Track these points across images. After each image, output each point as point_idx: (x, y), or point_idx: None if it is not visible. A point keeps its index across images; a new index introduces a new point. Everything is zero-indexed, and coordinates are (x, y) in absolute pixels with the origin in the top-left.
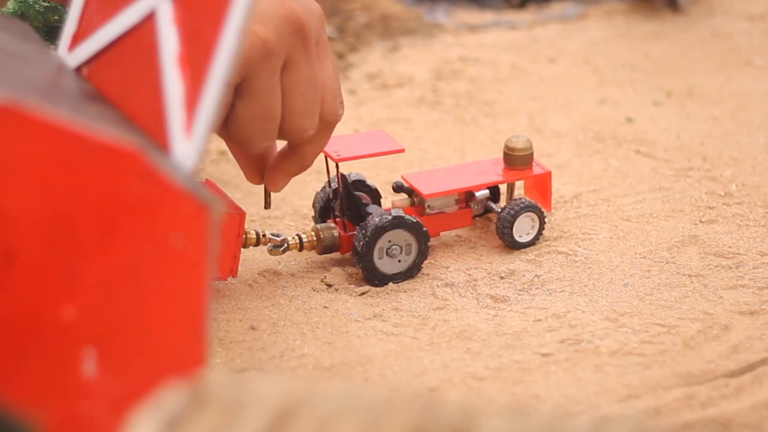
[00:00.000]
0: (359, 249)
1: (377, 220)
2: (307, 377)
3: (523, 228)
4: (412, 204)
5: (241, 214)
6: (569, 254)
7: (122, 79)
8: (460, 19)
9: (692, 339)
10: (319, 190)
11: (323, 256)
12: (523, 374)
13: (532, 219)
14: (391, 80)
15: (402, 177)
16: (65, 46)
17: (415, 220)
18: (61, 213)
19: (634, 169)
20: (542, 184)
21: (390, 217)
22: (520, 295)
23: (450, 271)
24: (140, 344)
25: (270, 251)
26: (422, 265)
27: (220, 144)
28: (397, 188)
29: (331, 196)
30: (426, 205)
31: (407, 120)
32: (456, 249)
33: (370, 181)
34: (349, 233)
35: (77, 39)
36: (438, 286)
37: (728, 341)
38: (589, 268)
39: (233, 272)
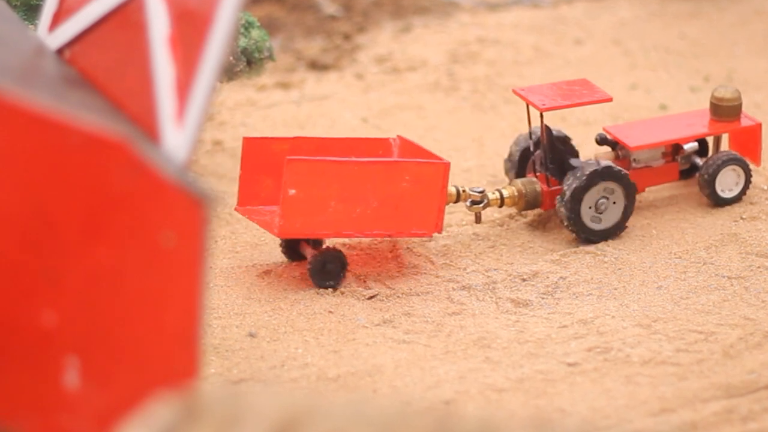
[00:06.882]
0: (579, 178)
1: (609, 162)
2: (311, 389)
3: (727, 182)
4: (617, 157)
5: (445, 165)
6: (597, 254)
7: (108, 63)
8: None
9: (732, 347)
10: (519, 137)
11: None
12: (546, 385)
13: (737, 173)
14: (403, 64)
15: (604, 129)
16: (45, 26)
17: (635, 188)
18: (41, 209)
19: None
20: (751, 137)
21: (620, 169)
22: (543, 298)
23: (467, 273)
24: (127, 353)
25: (469, 207)
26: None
27: (214, 133)
28: (601, 141)
29: (531, 148)
30: (632, 159)
31: (420, 107)
32: (474, 248)
33: (564, 134)
34: (553, 188)
35: (58, 18)
36: (454, 289)
37: None
38: (619, 269)
39: (438, 228)
